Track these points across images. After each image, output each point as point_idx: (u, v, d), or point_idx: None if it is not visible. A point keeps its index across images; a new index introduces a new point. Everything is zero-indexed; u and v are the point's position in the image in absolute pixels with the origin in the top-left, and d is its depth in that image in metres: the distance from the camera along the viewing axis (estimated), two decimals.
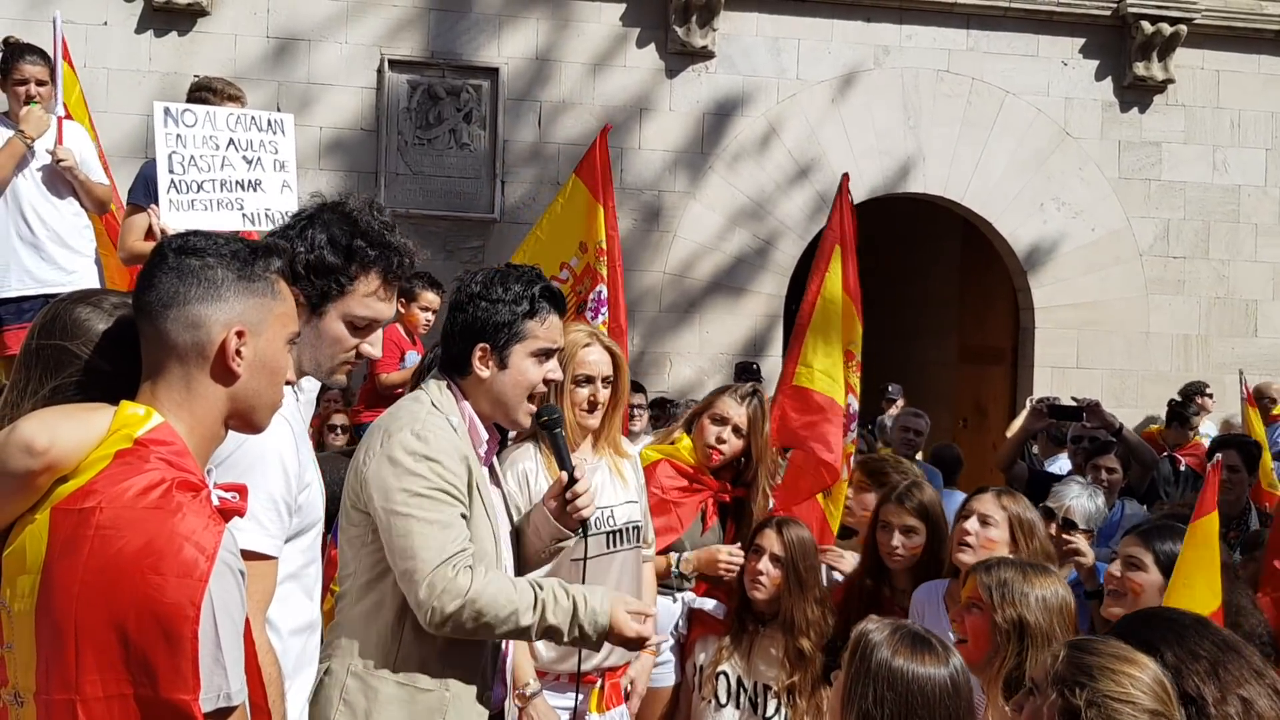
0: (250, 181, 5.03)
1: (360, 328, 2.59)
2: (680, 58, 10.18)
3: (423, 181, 9.86)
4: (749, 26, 10.33)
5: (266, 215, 4.89)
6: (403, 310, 6.98)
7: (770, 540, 4.05)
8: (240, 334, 1.88)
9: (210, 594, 1.68)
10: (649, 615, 2.77)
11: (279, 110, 9.09)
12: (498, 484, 3.03)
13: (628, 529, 3.75)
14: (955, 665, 2.37)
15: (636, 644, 2.79)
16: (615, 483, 3.76)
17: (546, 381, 2.89)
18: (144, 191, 5.57)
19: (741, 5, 10.21)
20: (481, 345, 2.80)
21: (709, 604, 4.43)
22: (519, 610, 2.60)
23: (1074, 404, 6.91)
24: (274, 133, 4.79)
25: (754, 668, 3.99)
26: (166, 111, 4.64)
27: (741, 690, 3.96)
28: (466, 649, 2.72)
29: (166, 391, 1.88)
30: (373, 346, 2.64)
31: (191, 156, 4.44)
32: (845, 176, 5.56)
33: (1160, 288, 10.93)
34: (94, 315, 2.03)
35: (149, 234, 5.41)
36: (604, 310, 5.38)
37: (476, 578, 2.57)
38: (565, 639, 2.67)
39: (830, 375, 5.09)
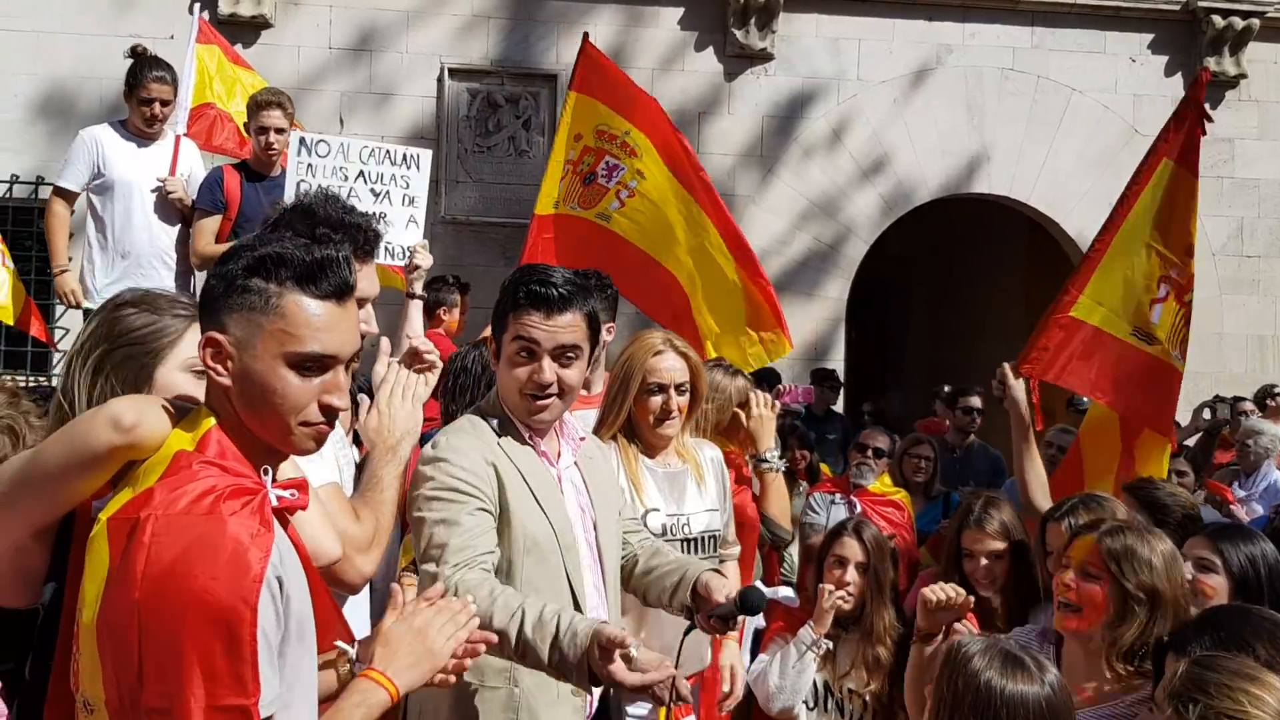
0: (374, 215, 5.07)
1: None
2: (739, 60, 10.12)
3: (482, 189, 9.90)
4: (808, 28, 10.24)
5: (386, 249, 4.78)
6: (445, 317, 7.01)
7: (851, 549, 3.97)
8: (214, 342, 1.80)
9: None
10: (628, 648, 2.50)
11: (341, 120, 9.22)
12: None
13: (703, 538, 3.62)
14: (1051, 684, 2.28)
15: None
16: (695, 488, 3.64)
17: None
18: (210, 199, 5.66)
19: (801, 6, 10.14)
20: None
21: (783, 592, 4.34)
22: (504, 621, 2.48)
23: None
24: (408, 167, 4.84)
25: (839, 673, 3.92)
26: (302, 141, 4.74)
27: (829, 695, 3.89)
28: None
29: (207, 399, 1.88)
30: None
31: (319, 187, 4.47)
32: None
33: (1234, 287, 10.66)
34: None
35: (220, 238, 5.53)
36: (616, 175, 5.60)
37: (475, 576, 2.58)
38: (545, 659, 2.48)
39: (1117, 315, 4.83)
